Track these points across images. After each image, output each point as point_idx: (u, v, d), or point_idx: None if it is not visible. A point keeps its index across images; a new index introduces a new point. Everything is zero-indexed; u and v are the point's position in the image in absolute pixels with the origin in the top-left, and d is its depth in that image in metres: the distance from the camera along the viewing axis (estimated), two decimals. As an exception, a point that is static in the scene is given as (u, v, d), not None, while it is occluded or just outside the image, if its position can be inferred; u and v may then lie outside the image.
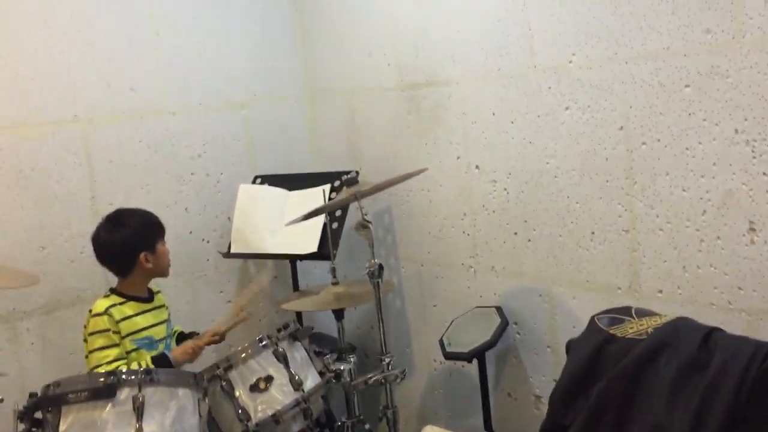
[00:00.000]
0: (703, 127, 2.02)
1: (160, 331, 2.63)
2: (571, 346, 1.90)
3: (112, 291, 2.58)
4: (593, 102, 2.27)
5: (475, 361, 2.51)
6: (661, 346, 1.57)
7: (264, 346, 2.22)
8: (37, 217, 2.82)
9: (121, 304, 2.52)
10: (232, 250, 3.15)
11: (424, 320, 3.09)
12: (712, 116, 2.00)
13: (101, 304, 2.50)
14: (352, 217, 3.12)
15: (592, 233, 2.34)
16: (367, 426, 2.66)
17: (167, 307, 2.73)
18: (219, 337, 2.62)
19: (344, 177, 2.72)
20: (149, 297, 2.66)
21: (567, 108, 2.34)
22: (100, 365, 2.38)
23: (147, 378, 1.94)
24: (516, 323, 2.68)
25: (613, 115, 2.23)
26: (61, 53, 2.83)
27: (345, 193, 2.43)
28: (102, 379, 1.91)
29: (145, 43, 2.98)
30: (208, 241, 3.23)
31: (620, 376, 1.58)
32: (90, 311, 2.51)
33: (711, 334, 1.61)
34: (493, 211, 2.69)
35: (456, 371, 2.94)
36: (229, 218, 3.28)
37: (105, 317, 2.44)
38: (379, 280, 2.32)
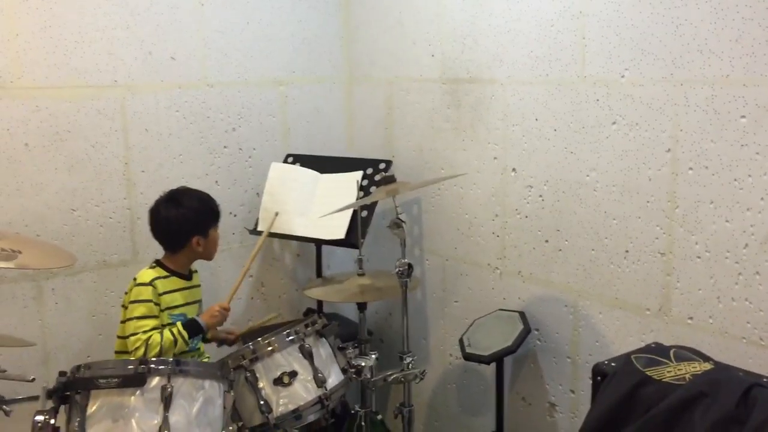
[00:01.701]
0: (754, 161, 1.96)
1: (192, 311, 2.59)
2: (598, 372, 1.81)
3: (158, 263, 2.55)
4: (642, 120, 2.20)
5: (492, 363, 2.45)
6: (698, 396, 1.49)
7: (291, 341, 2.17)
8: (70, 179, 2.79)
9: (164, 277, 2.50)
10: (259, 228, 3.05)
11: (444, 315, 3.03)
12: (766, 150, 1.91)
13: (147, 275, 2.47)
14: (383, 205, 3.10)
15: (627, 252, 2.28)
16: (379, 417, 2.62)
17: (200, 288, 2.73)
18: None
19: (381, 174, 2.68)
20: (189, 275, 2.62)
21: (614, 122, 2.27)
22: (137, 333, 2.36)
23: (177, 369, 1.92)
24: (538, 330, 2.63)
25: (662, 137, 2.16)
26: (105, 18, 2.77)
27: (382, 191, 2.35)
28: (132, 367, 1.90)
29: (189, 13, 2.92)
30: (235, 215, 3.18)
31: (653, 422, 1.51)
32: (134, 279, 2.49)
33: (752, 388, 1.51)
34: (526, 217, 2.62)
35: (471, 368, 2.90)
36: (258, 194, 3.22)
37: (150, 288, 2.42)
38: (408, 280, 2.27)
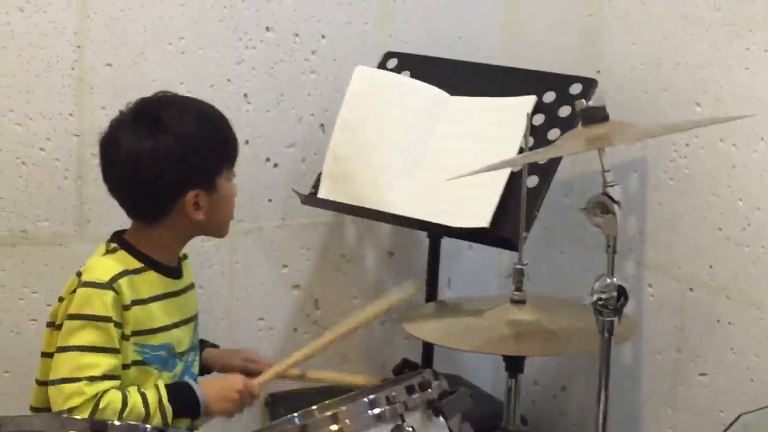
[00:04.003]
0: None
1: (184, 336, 2.42)
2: None
3: (122, 243, 2.38)
4: None
5: None
6: None
7: (378, 416, 2.09)
8: None
9: (136, 272, 2.34)
10: (322, 194, 2.88)
11: (677, 399, 2.91)
12: None
13: (104, 267, 2.32)
14: (570, 168, 2.99)
15: None
16: None
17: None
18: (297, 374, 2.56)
19: (574, 105, 2.36)
20: (178, 267, 2.44)
21: None
22: (77, 381, 2.23)
23: None
24: None
25: None
26: None
27: (576, 139, 2.26)
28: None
29: None
30: (275, 165, 3.05)
31: None
32: (79, 274, 2.31)
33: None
34: None
35: None
36: (322, 126, 3.08)
37: (109, 294, 2.28)
38: (615, 320, 2.17)
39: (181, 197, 2.35)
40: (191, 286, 2.48)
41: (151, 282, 2.35)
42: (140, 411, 2.25)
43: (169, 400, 2.28)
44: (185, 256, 2.51)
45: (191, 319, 2.45)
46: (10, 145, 2.76)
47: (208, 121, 2.43)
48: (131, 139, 2.34)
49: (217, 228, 2.47)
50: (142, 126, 2.35)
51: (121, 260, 2.33)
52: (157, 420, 2.28)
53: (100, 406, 2.20)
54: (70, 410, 2.19)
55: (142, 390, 2.27)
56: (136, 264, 2.34)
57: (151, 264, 2.36)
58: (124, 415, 2.22)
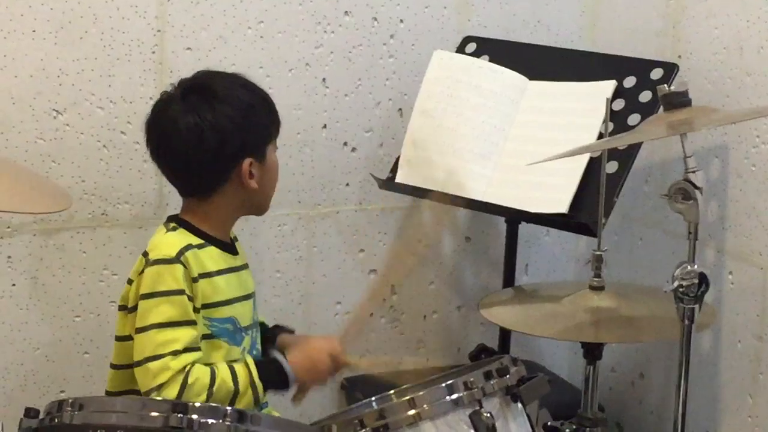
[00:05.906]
0: None
1: (246, 312, 2.41)
2: None
3: (179, 222, 2.39)
4: None
5: None
6: None
7: (455, 402, 2.06)
8: (55, 52, 2.69)
9: (199, 247, 2.34)
10: (399, 178, 2.87)
11: (757, 387, 2.85)
12: None
13: (170, 242, 2.33)
14: (649, 155, 2.94)
15: None
16: None
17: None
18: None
19: (654, 90, 2.46)
20: (232, 245, 2.45)
21: None
22: (161, 357, 2.22)
23: (241, 428, 1.89)
24: None
25: None
26: None
27: (658, 125, 2.23)
28: (158, 414, 1.86)
29: None
30: (353, 150, 3.07)
31: None
32: (146, 255, 2.31)
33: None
34: None
35: None
36: (400, 111, 3.09)
37: (179, 267, 2.27)
38: (696, 307, 2.17)
39: (238, 165, 2.36)
40: (246, 266, 2.49)
41: (213, 256, 2.36)
42: (230, 387, 2.25)
43: (260, 377, 2.29)
44: (236, 238, 2.53)
45: (250, 296, 2.45)
46: (92, 129, 2.77)
47: (256, 90, 2.43)
48: (189, 113, 2.34)
49: (264, 201, 2.47)
50: (196, 100, 2.36)
51: (184, 236, 2.34)
52: (248, 396, 2.29)
53: (189, 381, 2.20)
54: (160, 386, 2.21)
55: (232, 365, 2.28)
56: (197, 240, 2.35)
57: (210, 240, 2.37)
58: (214, 389, 2.23)
